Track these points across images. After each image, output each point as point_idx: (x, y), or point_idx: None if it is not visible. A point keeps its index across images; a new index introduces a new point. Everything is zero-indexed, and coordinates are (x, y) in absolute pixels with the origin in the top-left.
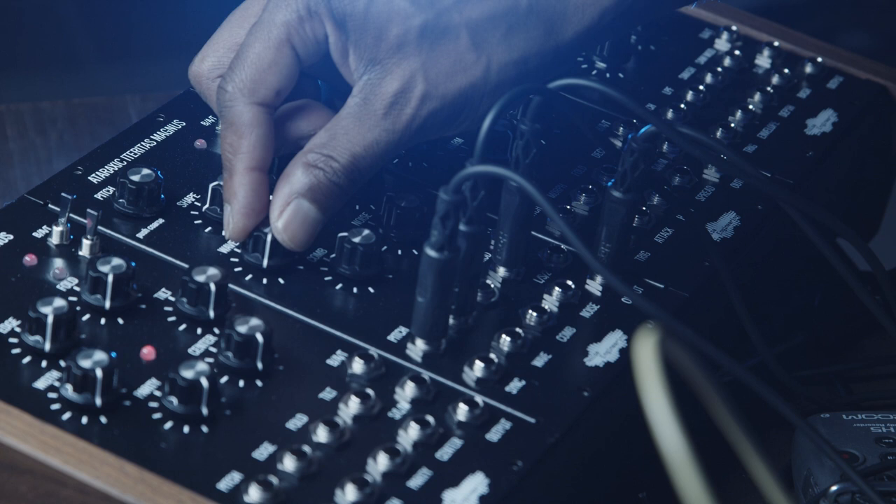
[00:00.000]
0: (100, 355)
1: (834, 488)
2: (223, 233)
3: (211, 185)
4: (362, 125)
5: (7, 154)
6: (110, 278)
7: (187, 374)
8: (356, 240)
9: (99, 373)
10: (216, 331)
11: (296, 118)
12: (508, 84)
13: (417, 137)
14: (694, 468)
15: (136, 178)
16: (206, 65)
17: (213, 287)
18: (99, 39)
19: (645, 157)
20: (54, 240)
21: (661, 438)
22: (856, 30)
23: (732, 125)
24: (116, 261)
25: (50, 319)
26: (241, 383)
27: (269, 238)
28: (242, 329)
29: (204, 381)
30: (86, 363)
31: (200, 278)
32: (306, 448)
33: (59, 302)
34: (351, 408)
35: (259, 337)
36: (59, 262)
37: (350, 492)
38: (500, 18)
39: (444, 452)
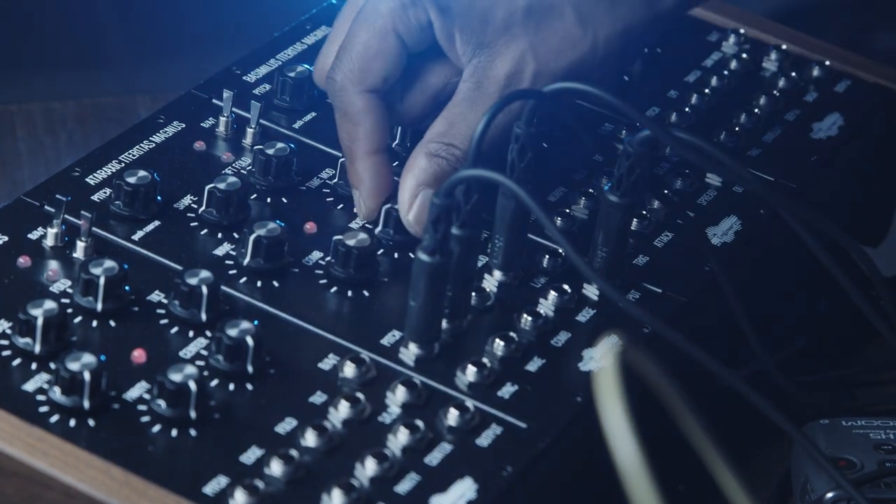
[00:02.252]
0: (88, 358)
1: (829, 495)
2: (357, 216)
3: (207, 188)
4: (478, 109)
5: (16, 154)
6: (102, 280)
7: (175, 377)
8: (351, 242)
9: (87, 375)
10: (208, 334)
11: (425, 75)
12: (615, 55)
13: None
14: (648, 483)
15: (132, 179)
16: (328, 63)
17: (204, 290)
18: (111, 39)
19: (641, 162)
20: (49, 241)
21: (616, 449)
22: (892, 30)
23: (737, 129)
24: (108, 263)
25: (39, 322)
26: (232, 386)
27: (251, 239)
28: (232, 332)
29: (192, 385)
30: (74, 366)
31: (192, 281)
32: (294, 452)
33: (49, 304)
34: (341, 412)
35: (249, 340)
36: (52, 264)
37: (337, 496)
38: None
39: (434, 457)
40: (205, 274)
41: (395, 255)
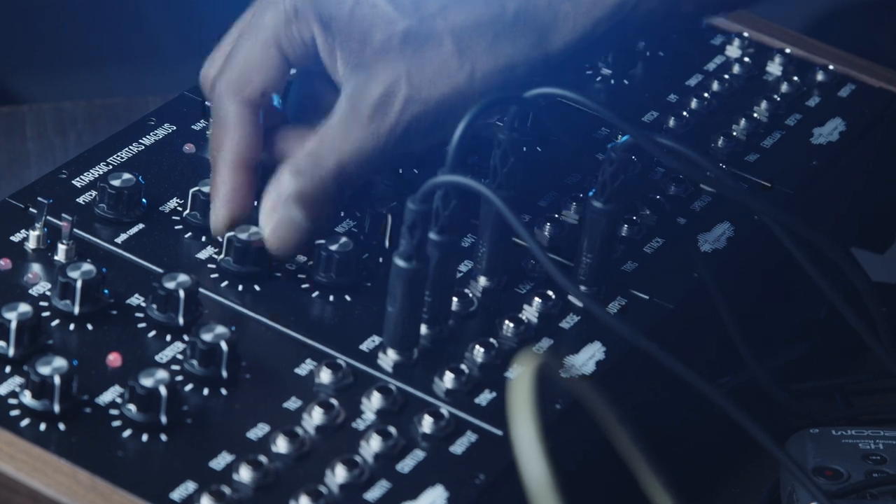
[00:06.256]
0: (59, 362)
1: None
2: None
3: (191, 191)
4: (349, 130)
5: (24, 154)
6: (79, 284)
7: (146, 382)
8: (333, 247)
9: (57, 380)
10: (185, 338)
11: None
12: (495, 91)
13: (403, 144)
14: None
15: (116, 182)
16: (213, 69)
17: (182, 294)
18: (124, 40)
19: (625, 167)
20: (31, 244)
21: (525, 468)
22: None
23: (735, 133)
24: (86, 266)
25: (13, 325)
26: (206, 391)
27: (224, 239)
28: (207, 337)
29: (163, 390)
30: (44, 370)
31: (170, 285)
32: (263, 458)
33: (23, 307)
34: (314, 418)
35: (223, 345)
36: (34, 267)
37: (304, 503)
38: (486, 26)
39: (406, 464)
40: (182, 278)
41: (380, 260)
